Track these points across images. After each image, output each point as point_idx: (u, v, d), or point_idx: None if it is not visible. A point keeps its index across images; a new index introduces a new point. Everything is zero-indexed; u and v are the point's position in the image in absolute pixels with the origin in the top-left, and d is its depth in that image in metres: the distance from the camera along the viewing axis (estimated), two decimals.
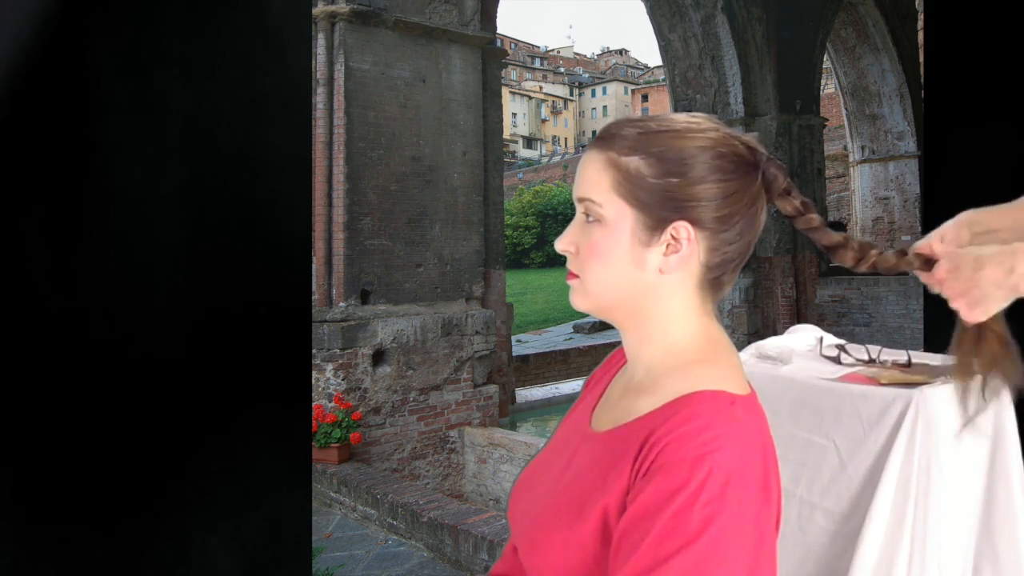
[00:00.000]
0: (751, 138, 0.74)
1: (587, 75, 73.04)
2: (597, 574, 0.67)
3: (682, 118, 0.73)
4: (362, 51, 6.15)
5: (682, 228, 0.71)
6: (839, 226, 21.69)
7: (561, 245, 0.76)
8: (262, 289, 0.97)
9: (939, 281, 0.75)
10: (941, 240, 0.76)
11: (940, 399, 0.96)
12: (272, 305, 0.97)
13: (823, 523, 1.01)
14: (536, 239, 35.30)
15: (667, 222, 0.71)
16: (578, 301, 0.76)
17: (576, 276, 0.75)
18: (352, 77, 6.09)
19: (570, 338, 16.54)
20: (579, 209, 0.75)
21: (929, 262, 0.77)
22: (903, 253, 0.79)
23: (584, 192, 0.74)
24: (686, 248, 0.71)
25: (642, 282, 0.72)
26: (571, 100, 69.59)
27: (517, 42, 69.92)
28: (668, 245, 0.71)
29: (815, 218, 0.76)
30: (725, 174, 0.71)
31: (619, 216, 0.72)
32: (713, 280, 0.74)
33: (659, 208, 0.71)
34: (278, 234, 0.98)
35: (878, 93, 14.14)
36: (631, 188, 0.71)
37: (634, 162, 0.71)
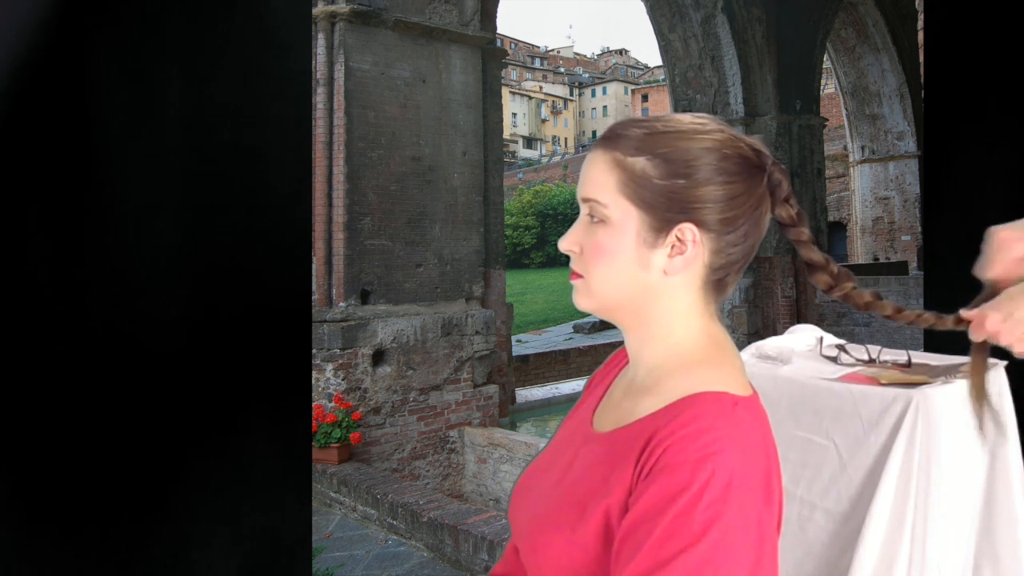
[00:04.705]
0: (756, 140, 0.73)
1: (587, 75, 73.02)
2: (599, 575, 0.67)
3: (688, 119, 0.73)
4: (362, 51, 6.15)
5: (688, 230, 0.71)
6: (839, 227, 21.70)
7: (565, 245, 0.75)
8: (262, 289, 0.97)
9: (994, 333, 0.75)
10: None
11: (940, 399, 0.96)
12: (272, 305, 0.97)
13: (823, 523, 1.01)
14: (536, 239, 35.31)
15: (673, 224, 0.71)
16: (581, 301, 0.75)
17: (580, 276, 0.75)
18: (352, 77, 6.08)
19: (570, 338, 16.54)
20: (583, 209, 0.74)
21: (959, 320, 0.78)
22: (879, 296, 0.79)
23: (589, 192, 0.73)
24: (691, 250, 0.71)
25: (646, 283, 0.72)
26: (571, 100, 69.57)
27: (517, 42, 69.90)
28: (673, 247, 0.71)
29: (805, 232, 0.76)
30: (730, 176, 0.71)
31: (624, 217, 0.71)
32: (717, 282, 0.74)
33: (665, 209, 0.70)
34: (278, 234, 0.98)
35: (878, 93, 14.15)
36: (637, 189, 0.71)
37: (640, 163, 0.71)
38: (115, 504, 0.86)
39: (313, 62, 6.07)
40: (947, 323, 0.79)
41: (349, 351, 5.95)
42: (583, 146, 63.14)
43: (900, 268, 13.68)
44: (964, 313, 0.77)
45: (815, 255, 0.77)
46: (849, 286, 0.78)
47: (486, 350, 6.78)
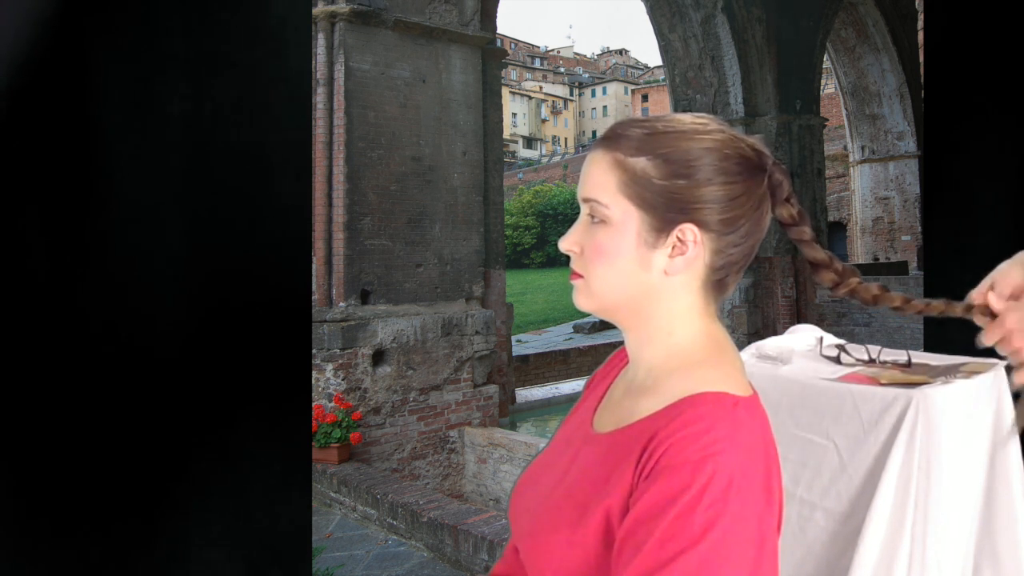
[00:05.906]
0: (757, 140, 0.73)
1: (587, 75, 73.01)
2: (599, 575, 0.67)
3: (688, 119, 0.73)
4: (362, 51, 6.15)
5: (688, 231, 0.70)
6: (839, 227, 21.69)
7: (565, 245, 0.75)
8: (262, 289, 0.97)
9: (1010, 331, 0.76)
10: (992, 287, 0.77)
11: (940, 399, 0.96)
12: (272, 305, 0.97)
13: (823, 523, 1.01)
14: (536, 239, 35.33)
15: (673, 224, 0.71)
16: (582, 301, 0.75)
17: (580, 276, 0.75)
18: (352, 77, 6.09)
19: (570, 338, 16.54)
20: (584, 209, 0.74)
21: (969, 309, 0.78)
22: (885, 289, 0.79)
23: (589, 192, 0.73)
24: (692, 250, 0.71)
25: (647, 283, 0.72)
26: (571, 100, 69.56)
27: (517, 42, 69.89)
28: (674, 247, 0.71)
29: (807, 231, 0.76)
30: (731, 176, 0.70)
31: (625, 217, 0.71)
32: (717, 282, 0.74)
33: (665, 210, 0.70)
34: (278, 234, 0.98)
35: (878, 93, 14.16)
36: (637, 189, 0.71)
37: (640, 163, 0.71)
38: (115, 503, 0.86)
39: (313, 62, 6.07)
40: (957, 310, 0.79)
41: (349, 351, 5.95)
42: (583, 146, 63.14)
43: (900, 268, 13.68)
44: (975, 297, 0.77)
45: (818, 253, 0.77)
46: (855, 282, 0.78)
47: (486, 350, 6.78)
